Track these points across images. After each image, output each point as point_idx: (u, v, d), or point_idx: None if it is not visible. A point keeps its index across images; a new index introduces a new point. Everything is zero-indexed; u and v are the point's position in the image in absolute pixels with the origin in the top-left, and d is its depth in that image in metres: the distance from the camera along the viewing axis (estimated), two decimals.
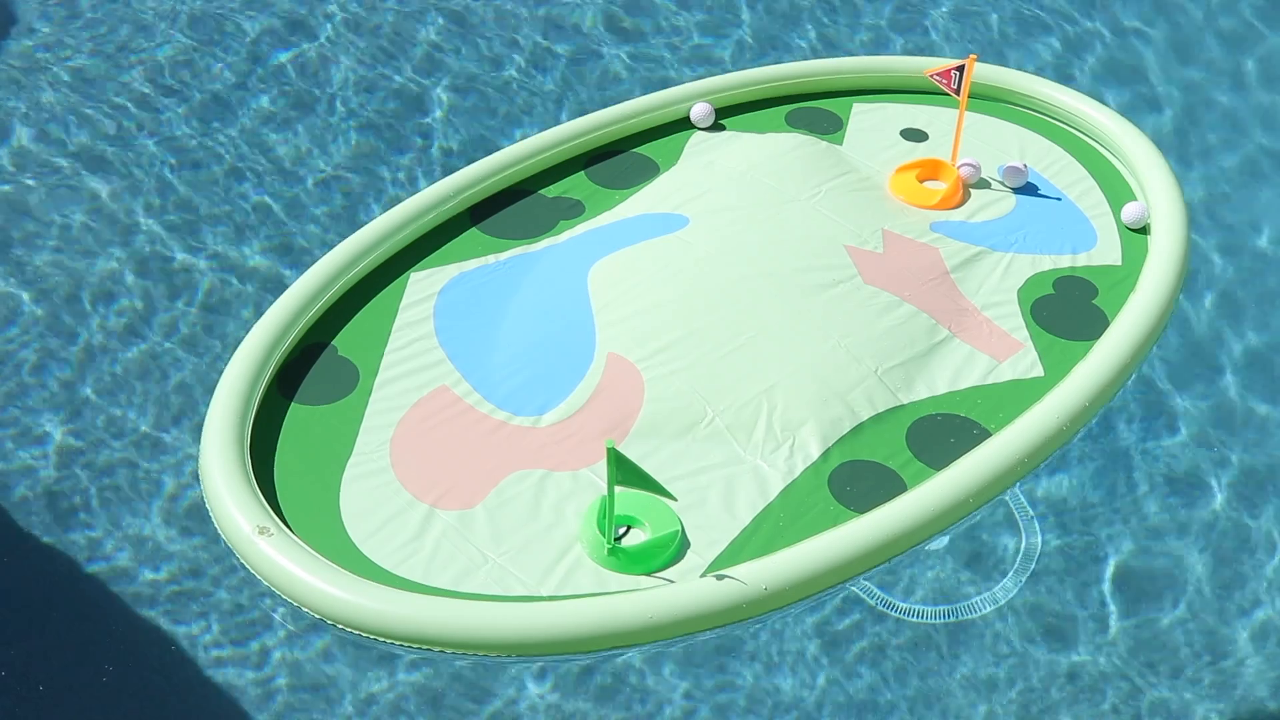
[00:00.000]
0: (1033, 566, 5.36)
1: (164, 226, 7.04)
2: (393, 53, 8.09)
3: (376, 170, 7.50)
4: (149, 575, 5.87)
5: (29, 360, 6.54)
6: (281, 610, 4.13)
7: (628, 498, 3.91)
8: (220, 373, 4.86)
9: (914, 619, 5.02)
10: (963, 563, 5.93)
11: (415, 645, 3.72)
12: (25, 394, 6.42)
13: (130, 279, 6.86)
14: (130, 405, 6.39)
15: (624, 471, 3.69)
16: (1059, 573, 6.07)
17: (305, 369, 4.53)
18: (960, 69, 5.16)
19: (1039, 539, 5.61)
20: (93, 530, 5.99)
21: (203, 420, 6.30)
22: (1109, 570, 6.07)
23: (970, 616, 5.49)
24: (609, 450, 3.64)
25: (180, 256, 6.82)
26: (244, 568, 3.88)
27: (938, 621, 5.69)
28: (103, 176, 7.34)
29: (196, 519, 6.06)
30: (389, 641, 3.73)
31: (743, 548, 3.99)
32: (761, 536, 4.03)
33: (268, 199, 7.19)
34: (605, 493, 3.99)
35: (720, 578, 3.80)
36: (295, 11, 8.31)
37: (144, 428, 6.30)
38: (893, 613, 4.45)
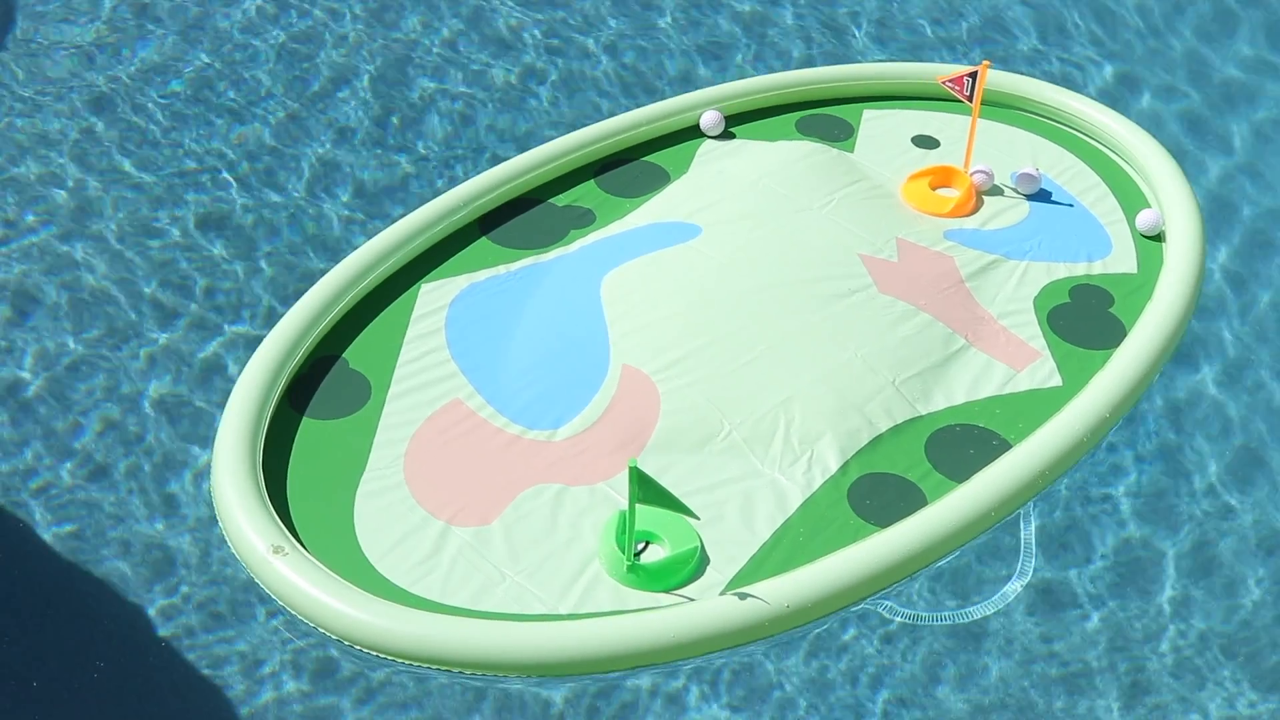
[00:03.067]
0: (1033, 563, 5.32)
1: (171, 235, 6.98)
2: (408, 57, 8.03)
3: (384, 179, 7.44)
4: (147, 575, 5.81)
5: (29, 363, 6.48)
6: (290, 627, 4.10)
7: (647, 513, 3.86)
8: (228, 384, 4.79)
9: (935, 622, 4.97)
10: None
11: (433, 666, 3.67)
12: (24, 396, 6.36)
13: (135, 285, 6.80)
14: (133, 409, 6.33)
15: (646, 490, 3.64)
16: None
17: (316, 382, 4.48)
18: (973, 76, 5.13)
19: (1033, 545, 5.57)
20: (91, 531, 5.93)
21: (207, 423, 6.24)
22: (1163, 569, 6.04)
23: (983, 615, 5.45)
24: (631, 469, 3.59)
25: (188, 265, 6.76)
26: (259, 587, 3.82)
27: (950, 622, 5.62)
28: (98, 183, 7.28)
29: (196, 520, 6.00)
30: (408, 663, 3.68)
31: (763, 563, 3.95)
32: (781, 552, 3.98)
33: (272, 207, 7.13)
34: (623, 507, 3.95)
35: (743, 596, 3.75)
36: (304, 18, 8.26)
37: (147, 431, 6.24)
38: (914, 620, 4.40)
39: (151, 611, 5.68)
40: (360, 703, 5.62)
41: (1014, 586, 4.54)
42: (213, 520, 6.01)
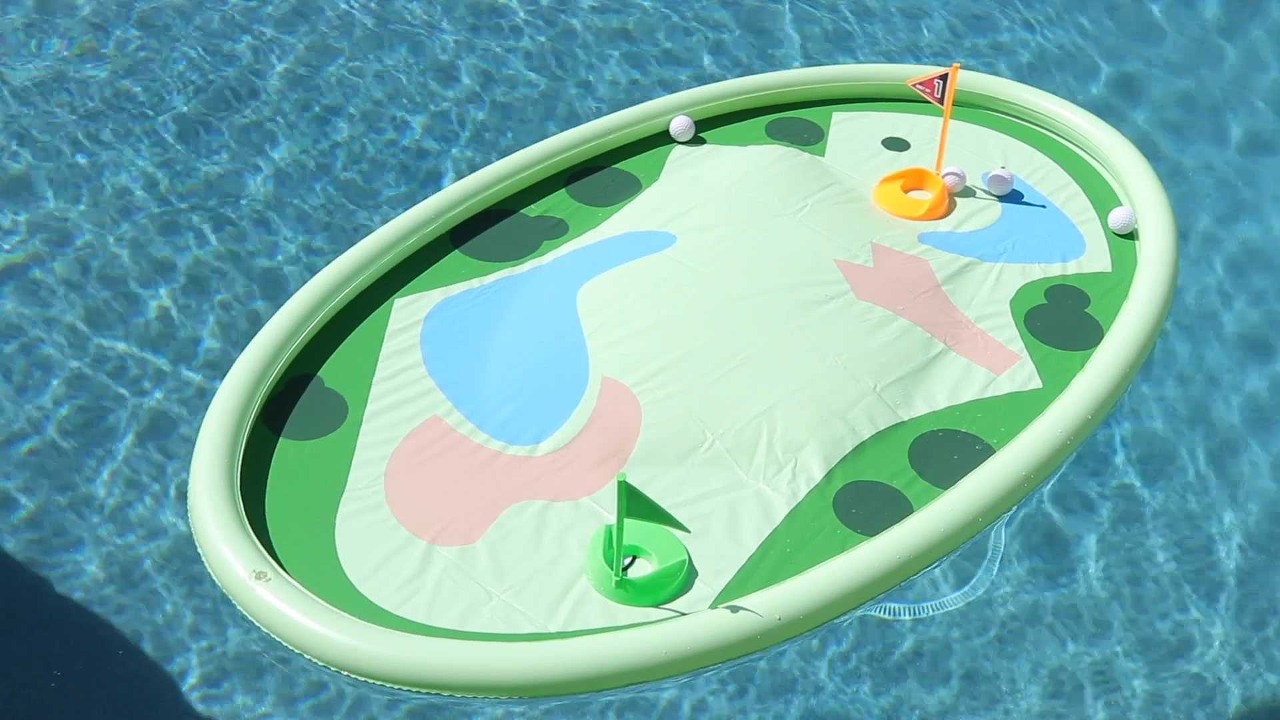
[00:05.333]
0: (1001, 553, 5.33)
1: (146, 250, 6.91)
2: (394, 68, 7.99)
3: (358, 194, 7.39)
4: (114, 588, 5.78)
5: None
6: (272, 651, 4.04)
7: (632, 527, 3.82)
8: (197, 400, 4.72)
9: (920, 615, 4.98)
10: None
11: (423, 690, 3.62)
12: None
13: (107, 300, 6.73)
14: (101, 423, 6.27)
15: (635, 504, 3.60)
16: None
17: (291, 402, 4.41)
18: (943, 78, 5.11)
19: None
20: (59, 543, 5.89)
21: (177, 438, 6.17)
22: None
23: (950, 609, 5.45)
24: (620, 484, 3.55)
25: (167, 281, 6.70)
26: (242, 614, 3.76)
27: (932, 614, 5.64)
28: (64, 196, 7.18)
29: (163, 534, 5.96)
30: (397, 687, 3.62)
31: (751, 575, 3.92)
32: (769, 563, 3.95)
33: (246, 225, 7.07)
34: (607, 522, 3.91)
35: (734, 609, 3.72)
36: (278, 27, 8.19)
37: (116, 446, 6.19)
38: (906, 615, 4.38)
39: (116, 623, 5.63)
40: (336, 708, 5.58)
41: (985, 574, 4.55)
42: (181, 534, 5.96)
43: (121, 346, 6.60)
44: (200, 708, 5.57)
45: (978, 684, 5.93)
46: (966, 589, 4.61)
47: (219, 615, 5.77)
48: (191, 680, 5.59)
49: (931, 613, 4.72)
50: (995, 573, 4.58)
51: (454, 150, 7.68)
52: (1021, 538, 6.40)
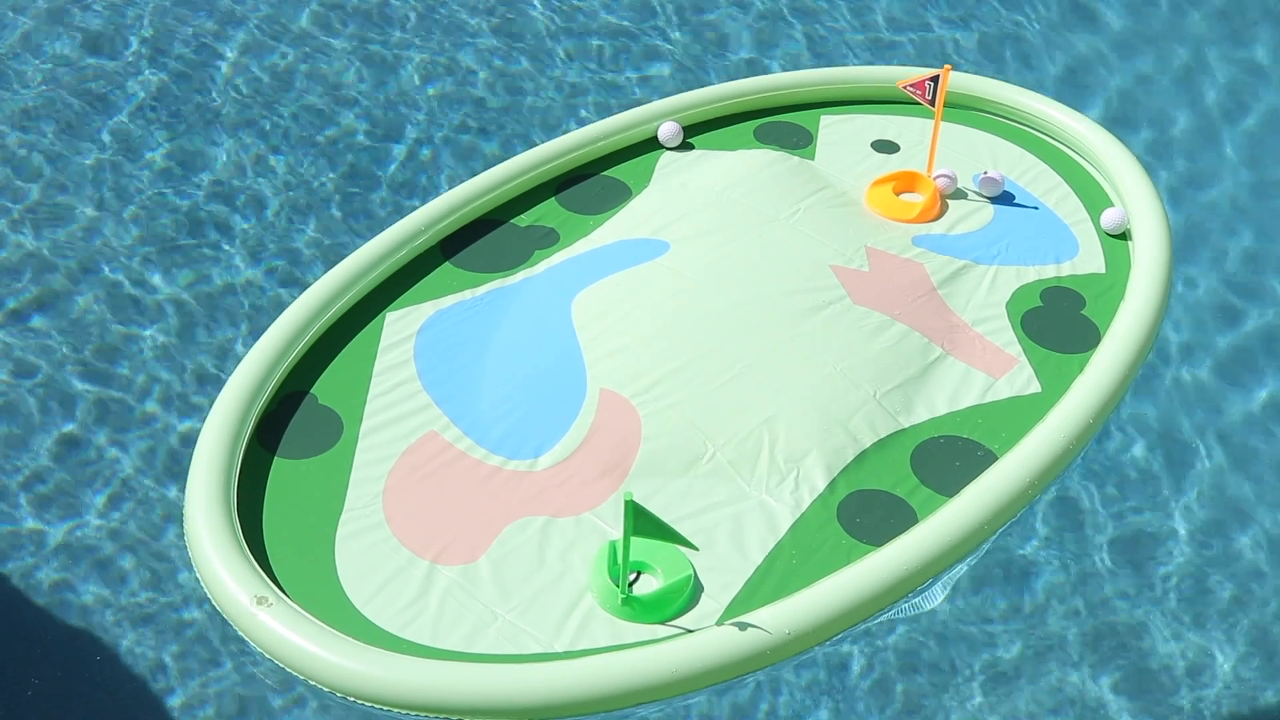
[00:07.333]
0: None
1: (129, 267, 6.84)
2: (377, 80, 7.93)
3: (345, 206, 7.33)
4: (91, 594, 5.73)
5: None
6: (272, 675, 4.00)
7: (636, 542, 3.77)
8: (189, 415, 4.63)
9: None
10: None
11: (431, 714, 3.56)
12: None
13: (94, 317, 6.66)
14: (85, 435, 6.21)
15: (642, 523, 3.55)
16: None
17: (285, 420, 4.34)
18: (934, 80, 5.09)
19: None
20: (37, 553, 5.83)
21: (160, 449, 6.10)
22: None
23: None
24: (627, 503, 3.51)
25: (150, 295, 6.63)
26: (242, 640, 3.69)
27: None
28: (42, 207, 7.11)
29: (145, 539, 5.91)
30: (404, 712, 3.57)
31: (757, 589, 3.87)
32: (775, 576, 3.91)
33: (233, 241, 7.01)
34: (610, 537, 3.87)
35: (742, 625, 3.68)
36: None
37: (97, 455, 6.12)
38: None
39: (93, 631, 5.57)
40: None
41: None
42: (162, 542, 5.90)
43: (111, 361, 6.54)
44: (178, 715, 5.53)
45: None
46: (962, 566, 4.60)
47: (196, 621, 5.73)
48: (167, 688, 5.55)
49: (939, 601, 4.70)
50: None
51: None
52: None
